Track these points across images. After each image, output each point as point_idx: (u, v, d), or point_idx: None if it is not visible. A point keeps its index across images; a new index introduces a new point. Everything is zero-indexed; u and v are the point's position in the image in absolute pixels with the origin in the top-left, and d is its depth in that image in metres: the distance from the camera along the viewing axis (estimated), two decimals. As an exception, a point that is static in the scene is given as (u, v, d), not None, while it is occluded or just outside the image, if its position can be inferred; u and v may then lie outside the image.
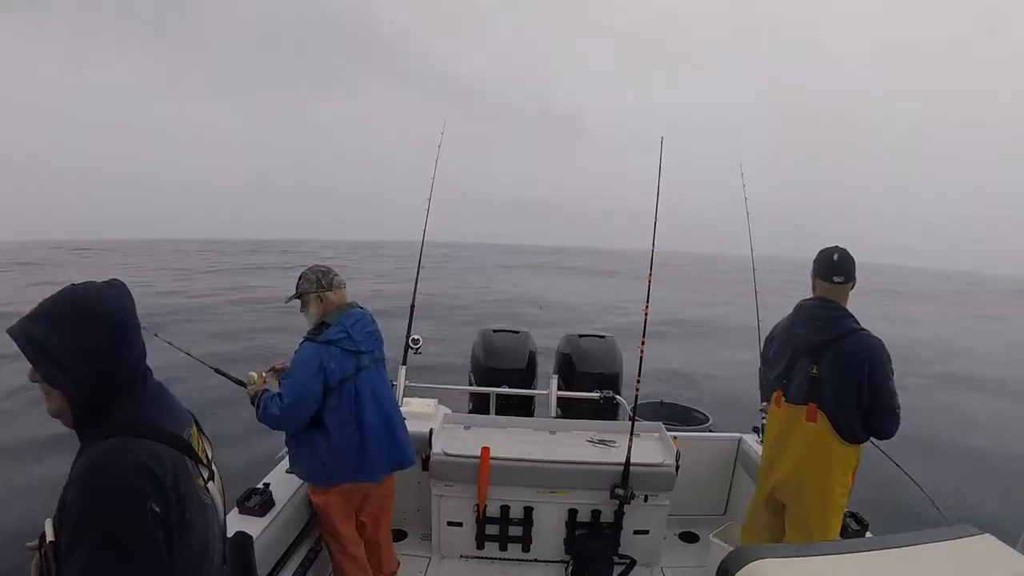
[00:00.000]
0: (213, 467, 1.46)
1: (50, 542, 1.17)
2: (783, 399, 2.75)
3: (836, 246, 2.70)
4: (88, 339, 1.24)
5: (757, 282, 4.19)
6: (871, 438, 2.61)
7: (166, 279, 26.47)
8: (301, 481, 2.94)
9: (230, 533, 2.50)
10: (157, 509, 1.17)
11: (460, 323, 15.14)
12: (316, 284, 2.73)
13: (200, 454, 1.39)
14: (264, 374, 2.75)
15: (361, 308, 2.84)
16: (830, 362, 2.57)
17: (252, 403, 2.66)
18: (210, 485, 1.38)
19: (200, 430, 1.46)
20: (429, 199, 4.38)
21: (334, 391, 2.62)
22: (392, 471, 2.89)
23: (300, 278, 2.78)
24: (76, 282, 1.31)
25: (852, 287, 2.67)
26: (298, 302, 2.82)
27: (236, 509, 2.65)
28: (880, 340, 2.54)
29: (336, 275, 2.78)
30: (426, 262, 4.23)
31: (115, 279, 1.35)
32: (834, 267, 2.66)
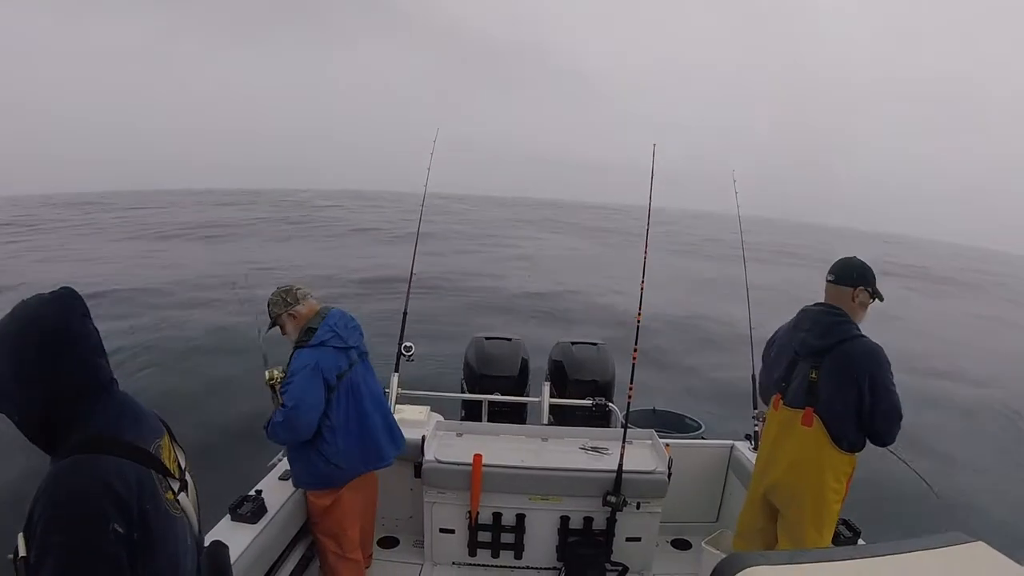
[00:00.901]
0: (187, 477, 1.43)
1: (22, 557, 1.15)
2: (781, 402, 2.76)
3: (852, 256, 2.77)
4: (24, 362, 1.22)
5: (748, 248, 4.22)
6: (873, 443, 2.61)
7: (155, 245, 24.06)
8: (293, 488, 2.93)
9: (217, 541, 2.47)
10: (120, 529, 1.15)
11: (449, 291, 15.16)
12: (283, 304, 2.83)
13: (171, 465, 1.36)
14: (276, 371, 2.78)
15: (336, 308, 2.95)
16: (829, 367, 2.58)
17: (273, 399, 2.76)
18: (181, 497, 1.36)
19: (173, 439, 1.43)
20: (423, 200, 4.39)
21: (334, 390, 2.72)
22: (396, 455, 3.00)
23: (268, 306, 2.88)
24: (26, 298, 1.29)
25: (857, 295, 2.65)
26: (276, 331, 2.92)
27: (228, 516, 2.63)
28: (879, 346, 2.55)
29: (299, 288, 2.89)
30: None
31: (63, 288, 1.31)
32: (832, 267, 2.72)
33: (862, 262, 2.73)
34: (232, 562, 2.32)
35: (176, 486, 1.35)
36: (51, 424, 1.24)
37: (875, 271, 2.72)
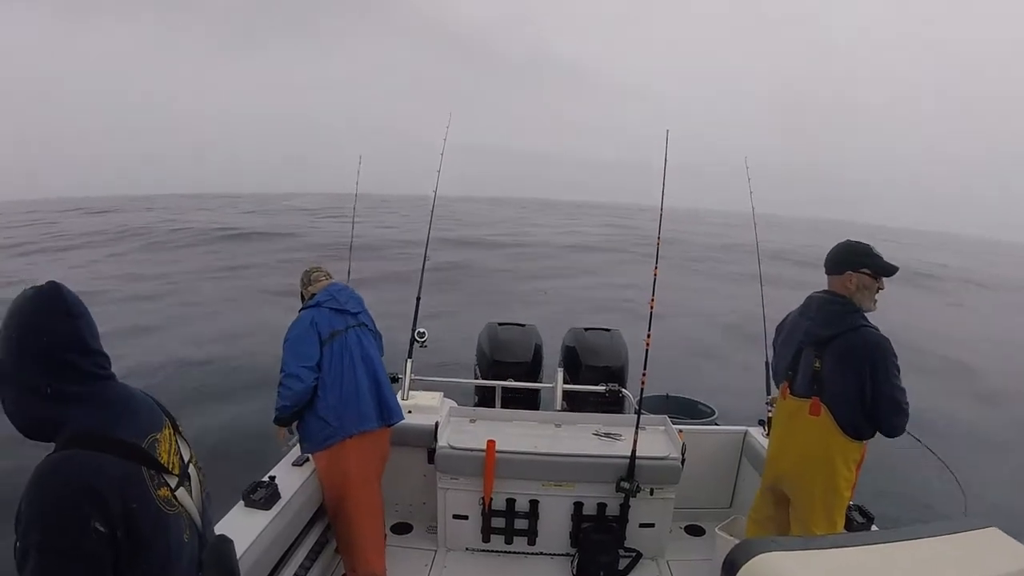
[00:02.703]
0: (191, 470, 1.39)
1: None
2: (788, 391, 2.76)
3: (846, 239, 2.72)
4: (5, 359, 1.21)
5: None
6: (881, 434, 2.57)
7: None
8: (308, 473, 2.97)
9: (229, 528, 2.49)
10: (101, 528, 1.12)
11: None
12: (304, 284, 3.20)
13: (171, 459, 1.32)
14: None
15: (340, 282, 3.24)
16: (832, 357, 2.55)
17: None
18: (179, 493, 1.32)
19: (176, 431, 1.39)
20: (432, 207, 4.38)
21: (326, 345, 2.92)
22: (381, 425, 3.02)
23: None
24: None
25: (850, 280, 2.59)
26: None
27: (241, 502, 2.64)
28: (885, 337, 2.50)
29: (316, 271, 3.22)
30: (425, 218, 4.33)
31: (49, 283, 1.27)
32: (825, 257, 2.69)
33: (848, 244, 2.67)
34: (245, 548, 2.35)
35: (174, 482, 1.31)
36: (38, 421, 1.23)
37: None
